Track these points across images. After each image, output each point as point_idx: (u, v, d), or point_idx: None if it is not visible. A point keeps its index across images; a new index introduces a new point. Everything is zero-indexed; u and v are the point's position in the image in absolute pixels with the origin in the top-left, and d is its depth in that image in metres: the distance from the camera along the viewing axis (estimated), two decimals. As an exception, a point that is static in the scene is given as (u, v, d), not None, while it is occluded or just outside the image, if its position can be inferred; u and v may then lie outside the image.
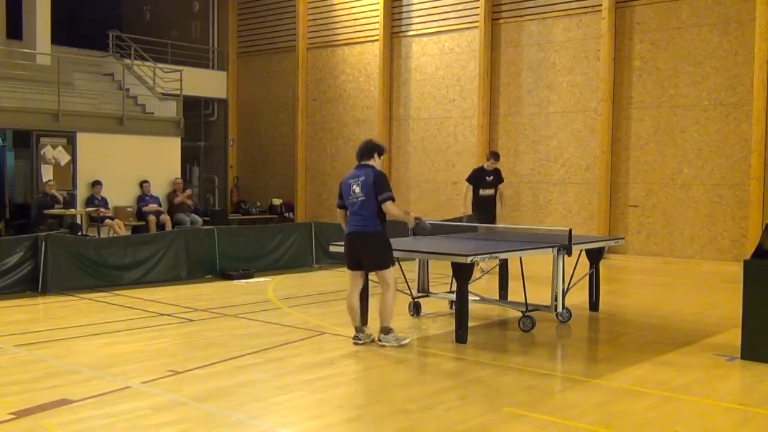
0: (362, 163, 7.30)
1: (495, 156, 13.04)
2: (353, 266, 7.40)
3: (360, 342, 7.34)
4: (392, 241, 7.44)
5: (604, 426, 5.04)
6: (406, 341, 7.32)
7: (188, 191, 17.87)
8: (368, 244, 7.20)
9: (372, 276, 7.46)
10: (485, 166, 12.92)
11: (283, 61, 21.30)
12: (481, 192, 12.65)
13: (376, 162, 7.31)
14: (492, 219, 12.43)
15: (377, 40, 19.05)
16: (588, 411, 5.38)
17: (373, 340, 7.40)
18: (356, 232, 7.22)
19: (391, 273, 7.28)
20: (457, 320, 7.49)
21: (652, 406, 5.51)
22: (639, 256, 15.30)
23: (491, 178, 12.74)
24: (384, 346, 7.19)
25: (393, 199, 7.13)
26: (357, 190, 7.16)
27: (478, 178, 12.71)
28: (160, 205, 17.18)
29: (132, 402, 5.47)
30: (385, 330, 7.28)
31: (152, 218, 16.48)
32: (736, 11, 14.40)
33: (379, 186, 7.09)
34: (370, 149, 7.33)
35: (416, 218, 7.43)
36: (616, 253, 14.58)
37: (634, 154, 15.58)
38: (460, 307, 7.45)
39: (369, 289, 8.19)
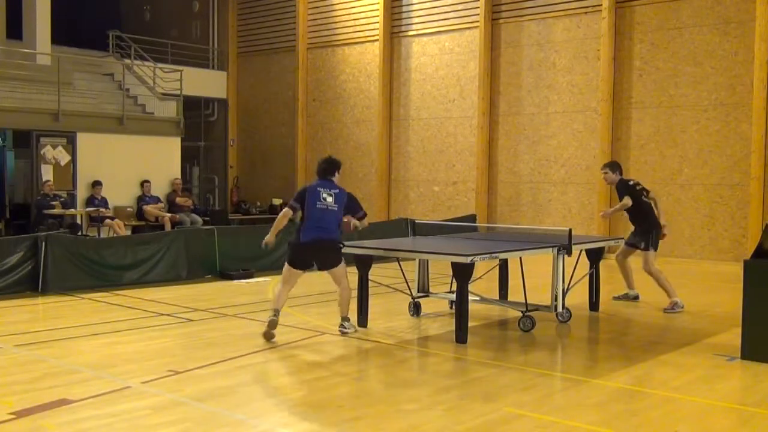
0: (328, 178, 7.84)
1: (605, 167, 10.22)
2: (302, 266, 7.78)
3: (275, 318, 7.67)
4: (391, 241, 7.52)
5: (604, 426, 5.04)
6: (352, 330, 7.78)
7: (187, 200, 17.77)
8: (329, 250, 7.69)
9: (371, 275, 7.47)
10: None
11: (283, 61, 21.30)
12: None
13: (336, 178, 7.89)
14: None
15: (377, 40, 19.06)
16: (588, 411, 5.38)
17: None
18: (320, 238, 7.62)
19: (344, 270, 7.74)
20: (457, 320, 7.49)
21: (653, 405, 5.51)
22: (639, 257, 15.27)
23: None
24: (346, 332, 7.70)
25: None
26: (330, 200, 7.66)
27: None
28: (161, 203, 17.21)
29: (132, 402, 5.47)
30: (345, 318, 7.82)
31: (167, 218, 16.43)
32: (736, 11, 14.41)
33: (357, 204, 7.97)
34: (333, 166, 7.90)
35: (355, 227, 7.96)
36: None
37: (634, 154, 15.58)
38: (460, 307, 7.45)
39: (369, 288, 8.23)
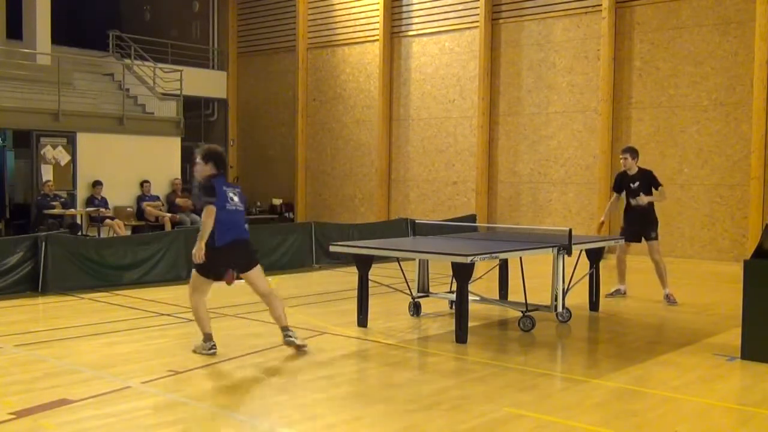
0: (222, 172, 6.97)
1: (630, 152, 10.17)
2: (218, 276, 7.04)
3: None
4: (391, 241, 7.41)
5: (604, 426, 5.04)
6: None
7: (187, 201, 17.74)
8: (249, 250, 7.02)
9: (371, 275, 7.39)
10: (624, 168, 10.20)
11: (283, 61, 21.30)
12: (631, 202, 10.08)
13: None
14: (644, 233, 10.07)
15: (377, 40, 19.06)
16: (588, 411, 5.38)
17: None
18: (242, 238, 6.94)
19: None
20: (457, 320, 7.48)
21: (652, 405, 5.51)
22: (639, 256, 15.28)
23: (636, 184, 10.04)
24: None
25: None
26: (236, 199, 6.91)
27: (621, 187, 10.24)
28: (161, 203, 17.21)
29: (132, 402, 5.46)
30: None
31: (167, 218, 16.42)
32: (736, 11, 14.41)
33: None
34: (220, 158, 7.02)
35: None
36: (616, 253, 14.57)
37: (634, 154, 15.59)
38: (460, 307, 7.45)
39: (369, 288, 8.22)
